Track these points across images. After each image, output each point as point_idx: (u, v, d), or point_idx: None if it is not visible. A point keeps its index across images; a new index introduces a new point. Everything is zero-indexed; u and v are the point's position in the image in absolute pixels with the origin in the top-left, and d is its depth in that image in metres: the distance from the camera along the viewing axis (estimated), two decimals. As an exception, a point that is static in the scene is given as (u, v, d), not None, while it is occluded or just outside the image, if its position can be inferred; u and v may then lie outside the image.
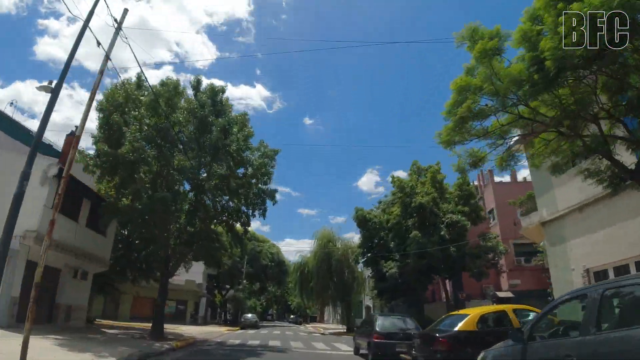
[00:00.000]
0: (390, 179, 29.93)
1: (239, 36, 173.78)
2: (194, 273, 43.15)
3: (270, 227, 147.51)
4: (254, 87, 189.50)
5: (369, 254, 27.91)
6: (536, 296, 29.29)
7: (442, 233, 24.18)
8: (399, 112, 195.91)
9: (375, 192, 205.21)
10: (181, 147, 15.85)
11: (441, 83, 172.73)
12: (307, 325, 59.15)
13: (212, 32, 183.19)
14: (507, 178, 35.34)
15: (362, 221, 27.93)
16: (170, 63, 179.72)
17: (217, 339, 19.52)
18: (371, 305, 38.65)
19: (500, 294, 30.01)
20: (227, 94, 17.89)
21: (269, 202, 18.33)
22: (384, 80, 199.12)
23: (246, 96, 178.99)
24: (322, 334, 30.22)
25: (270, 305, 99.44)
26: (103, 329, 19.32)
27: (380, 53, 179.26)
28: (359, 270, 31.36)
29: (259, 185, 17.97)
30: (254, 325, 35.98)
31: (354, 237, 30.54)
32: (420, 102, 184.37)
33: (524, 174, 35.75)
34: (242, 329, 35.76)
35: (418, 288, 27.60)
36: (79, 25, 9.26)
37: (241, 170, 17.64)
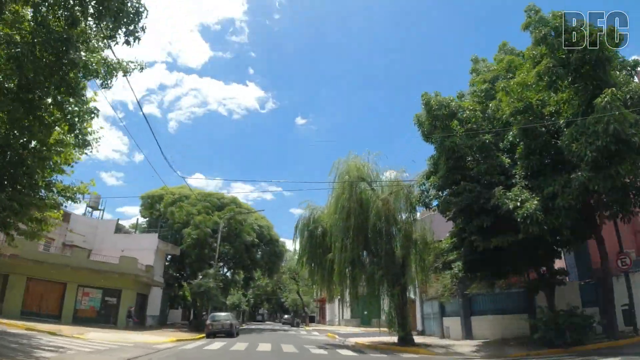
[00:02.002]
0: (472, 61, 16.05)
1: (232, 35, 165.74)
2: (139, 250, 28.39)
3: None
4: (247, 85, 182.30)
5: (455, 186, 13.42)
6: None
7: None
8: (393, 111, 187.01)
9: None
10: None
11: (435, 82, 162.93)
12: (308, 328, 44.38)
13: (205, 31, 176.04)
14: None
15: (437, 121, 13.55)
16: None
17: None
18: (416, 298, 24.09)
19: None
20: None
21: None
22: (378, 80, 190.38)
23: (239, 96, 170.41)
24: (359, 350, 15.76)
25: (260, 303, 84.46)
26: None
27: (374, 53, 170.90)
28: (420, 231, 16.57)
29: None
30: (227, 332, 21.37)
31: (404, 173, 14.84)
32: (415, 102, 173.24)
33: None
34: (207, 336, 21.21)
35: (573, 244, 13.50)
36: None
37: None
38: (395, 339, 16.85)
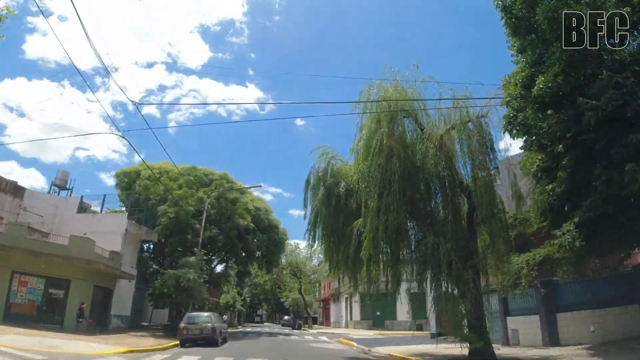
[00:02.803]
0: None
1: (232, 36, 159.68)
2: (105, 234, 22.36)
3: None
4: (247, 87, 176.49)
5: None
6: None
7: None
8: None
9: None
10: None
11: (437, 78, 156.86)
12: (312, 331, 38.36)
13: (205, 32, 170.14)
14: None
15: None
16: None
17: None
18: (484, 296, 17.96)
19: None
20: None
21: None
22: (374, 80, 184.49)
23: (239, 97, 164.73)
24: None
25: (258, 303, 78.41)
26: None
27: (372, 54, 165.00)
28: (511, 179, 10.65)
29: None
30: (208, 338, 15.39)
31: (469, 100, 8.60)
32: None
33: None
34: (181, 345, 15.25)
35: None
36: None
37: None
38: (460, 350, 10.94)
